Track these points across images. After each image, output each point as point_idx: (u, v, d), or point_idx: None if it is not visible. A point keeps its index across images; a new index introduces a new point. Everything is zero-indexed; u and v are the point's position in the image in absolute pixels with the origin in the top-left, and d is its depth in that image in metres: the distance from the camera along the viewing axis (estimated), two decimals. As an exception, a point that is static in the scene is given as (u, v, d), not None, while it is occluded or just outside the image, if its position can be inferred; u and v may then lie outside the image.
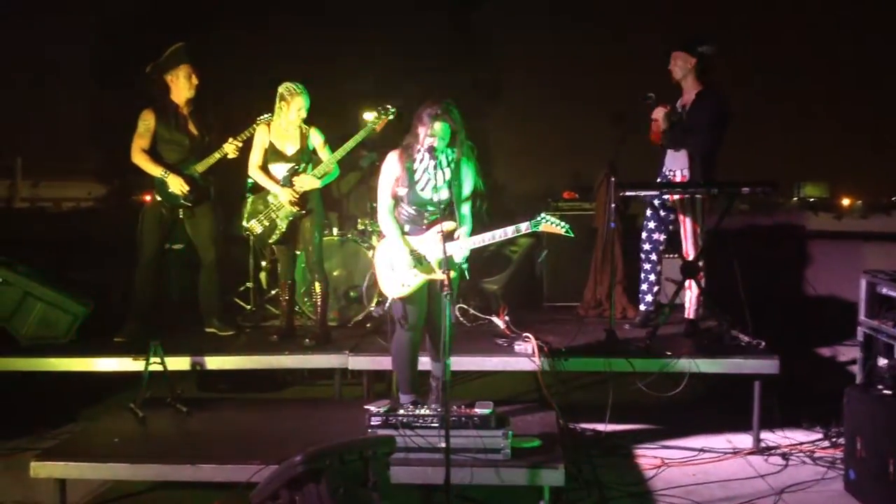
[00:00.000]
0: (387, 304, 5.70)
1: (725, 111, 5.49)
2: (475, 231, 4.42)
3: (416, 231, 4.47)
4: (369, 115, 5.58)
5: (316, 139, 5.57)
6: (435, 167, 4.35)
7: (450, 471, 3.71)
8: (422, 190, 4.41)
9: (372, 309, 6.13)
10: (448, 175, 4.37)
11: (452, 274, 4.33)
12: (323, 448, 3.44)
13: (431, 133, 4.29)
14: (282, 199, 5.53)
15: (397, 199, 4.48)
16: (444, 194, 4.39)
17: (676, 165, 5.65)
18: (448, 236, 4.25)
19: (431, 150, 4.29)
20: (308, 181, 5.50)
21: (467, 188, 4.45)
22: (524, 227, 4.20)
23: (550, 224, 4.17)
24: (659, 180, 5.81)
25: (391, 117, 5.49)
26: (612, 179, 5.21)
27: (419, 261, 4.40)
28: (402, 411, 4.18)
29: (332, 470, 3.37)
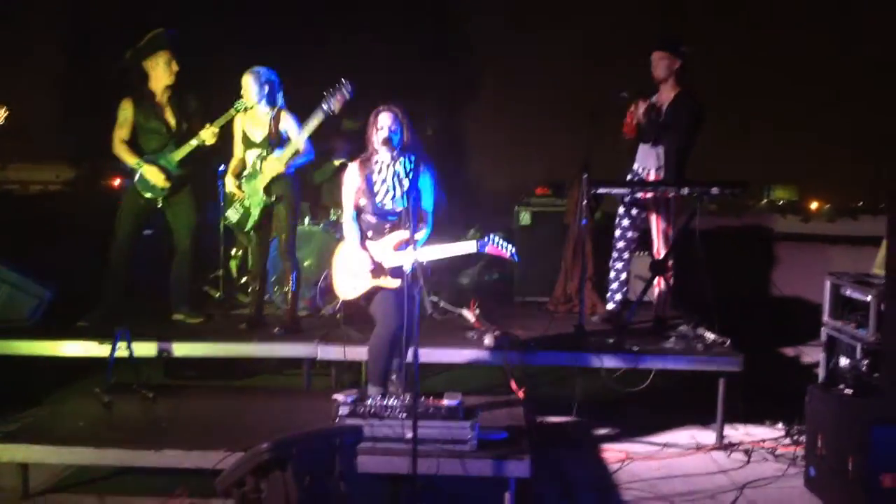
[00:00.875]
0: (337, 305, 5.77)
1: (702, 115, 5.58)
2: (436, 240, 4.48)
3: (378, 238, 4.53)
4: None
5: (288, 124, 5.50)
6: (393, 177, 4.44)
7: (416, 461, 3.73)
8: (381, 200, 4.47)
9: (326, 308, 6.12)
10: (406, 185, 4.44)
11: (397, 282, 4.41)
12: (290, 436, 3.44)
13: (379, 126, 4.38)
14: (228, 188, 5.59)
15: (359, 209, 4.54)
16: (402, 203, 4.43)
17: (650, 164, 5.71)
18: (403, 244, 4.37)
19: (388, 144, 4.35)
20: (272, 165, 5.47)
21: (426, 197, 4.51)
22: (472, 246, 4.29)
23: (497, 246, 4.28)
24: (629, 178, 5.87)
25: (347, 95, 5.29)
26: (585, 176, 5.25)
27: (375, 267, 4.46)
28: (370, 401, 4.18)
29: (298, 458, 3.37)
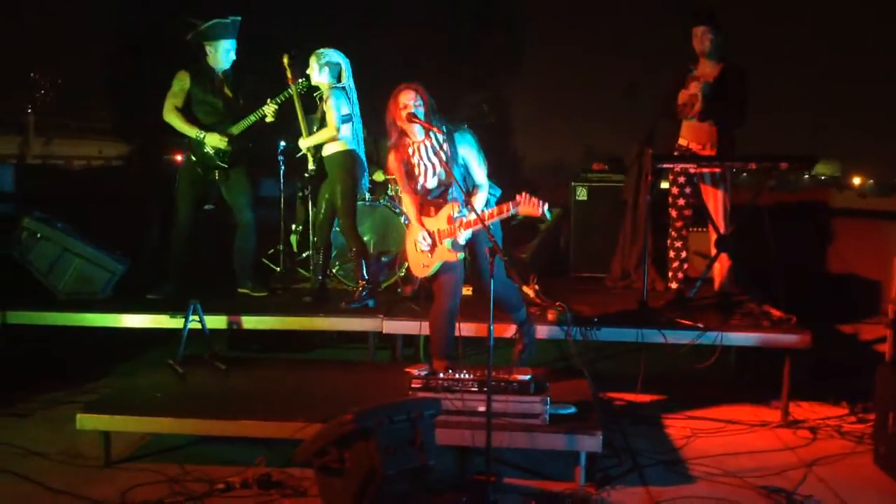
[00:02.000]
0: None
1: (749, 86, 5.55)
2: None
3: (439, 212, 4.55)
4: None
5: (328, 105, 5.54)
6: (427, 153, 4.42)
7: (491, 434, 3.78)
8: (423, 182, 4.48)
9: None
10: (443, 156, 4.37)
11: (460, 255, 4.45)
12: (373, 407, 3.51)
13: (401, 105, 4.33)
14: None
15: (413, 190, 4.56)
16: (447, 175, 4.40)
17: (702, 139, 5.65)
18: (456, 215, 4.37)
19: (414, 119, 4.30)
20: (302, 143, 5.70)
21: (473, 158, 4.46)
22: (506, 208, 4.19)
23: (528, 205, 4.13)
24: (676, 154, 5.84)
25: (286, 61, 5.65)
26: (650, 151, 5.22)
27: (435, 242, 4.50)
28: (441, 375, 4.24)
29: (381, 429, 3.44)
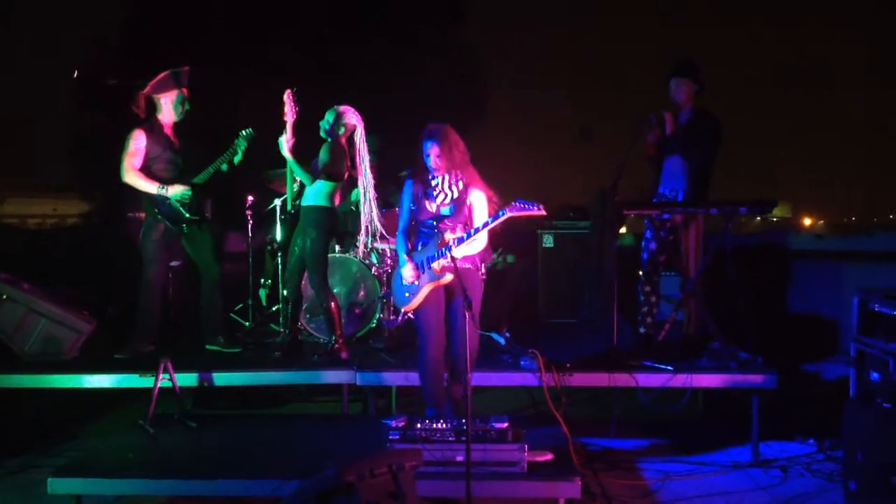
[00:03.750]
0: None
1: (721, 133, 5.69)
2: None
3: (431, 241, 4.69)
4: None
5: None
6: (444, 184, 4.67)
7: (470, 484, 3.78)
8: (441, 206, 4.67)
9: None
10: (455, 193, 4.66)
11: (447, 278, 4.57)
12: (355, 461, 3.49)
13: (425, 153, 4.62)
14: None
15: (415, 219, 4.73)
16: (450, 210, 4.67)
17: (678, 185, 5.78)
18: (446, 245, 4.55)
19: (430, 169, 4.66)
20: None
21: (477, 211, 4.68)
22: (493, 219, 4.46)
23: (518, 209, 4.42)
24: (655, 200, 5.94)
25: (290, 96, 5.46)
26: (616, 199, 5.33)
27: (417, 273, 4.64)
28: (419, 425, 4.24)
29: (363, 483, 3.42)
